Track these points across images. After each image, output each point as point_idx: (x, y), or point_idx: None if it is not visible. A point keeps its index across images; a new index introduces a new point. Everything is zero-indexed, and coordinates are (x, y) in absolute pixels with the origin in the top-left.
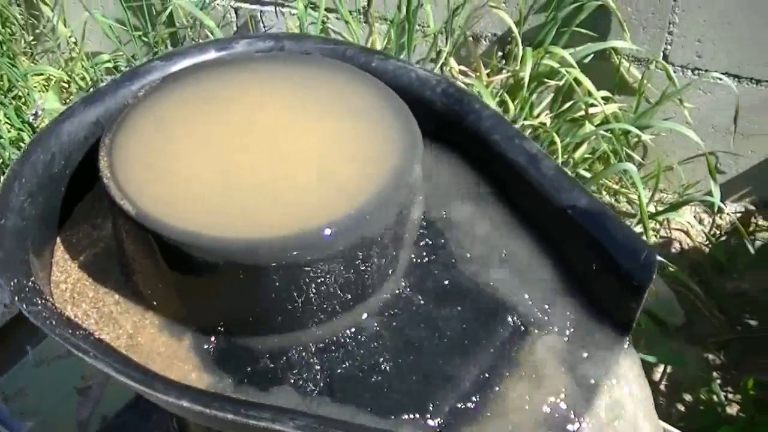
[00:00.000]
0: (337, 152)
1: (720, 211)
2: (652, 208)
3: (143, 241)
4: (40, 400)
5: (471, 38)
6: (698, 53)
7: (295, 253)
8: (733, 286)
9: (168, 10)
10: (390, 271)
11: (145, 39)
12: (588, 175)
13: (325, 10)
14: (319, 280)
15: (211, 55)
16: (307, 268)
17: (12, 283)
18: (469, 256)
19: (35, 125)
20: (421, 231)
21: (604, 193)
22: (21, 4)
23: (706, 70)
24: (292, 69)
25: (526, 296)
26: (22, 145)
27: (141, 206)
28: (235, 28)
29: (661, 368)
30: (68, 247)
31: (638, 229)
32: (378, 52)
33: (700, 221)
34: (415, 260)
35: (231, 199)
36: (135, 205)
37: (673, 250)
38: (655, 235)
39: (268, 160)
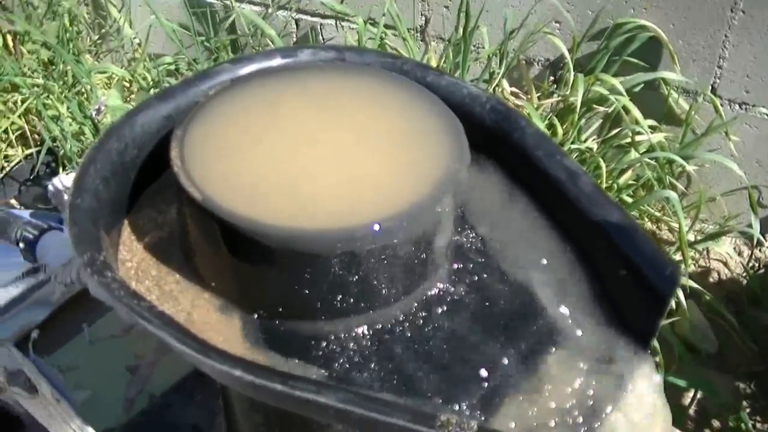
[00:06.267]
0: (391, 156)
1: (759, 244)
2: (692, 237)
3: (206, 226)
4: (92, 375)
5: (524, 61)
6: (746, 88)
7: (344, 243)
8: (767, 318)
9: (231, 18)
10: (432, 270)
11: (207, 44)
12: (631, 201)
13: (384, 26)
14: (366, 272)
15: (277, 61)
16: (357, 260)
17: (86, 256)
18: (506, 261)
19: (97, 121)
20: (462, 236)
21: (646, 219)
22: (89, 4)
23: (753, 105)
24: (352, 78)
25: (557, 304)
26: (82, 138)
27: (207, 193)
28: (294, 39)
29: (690, 393)
30: (134, 229)
31: (677, 256)
32: (433, 68)
33: (739, 253)
34: (455, 262)
35: (290, 193)
36: (202, 192)
37: (711, 280)
38: (694, 264)
39: (327, 160)
